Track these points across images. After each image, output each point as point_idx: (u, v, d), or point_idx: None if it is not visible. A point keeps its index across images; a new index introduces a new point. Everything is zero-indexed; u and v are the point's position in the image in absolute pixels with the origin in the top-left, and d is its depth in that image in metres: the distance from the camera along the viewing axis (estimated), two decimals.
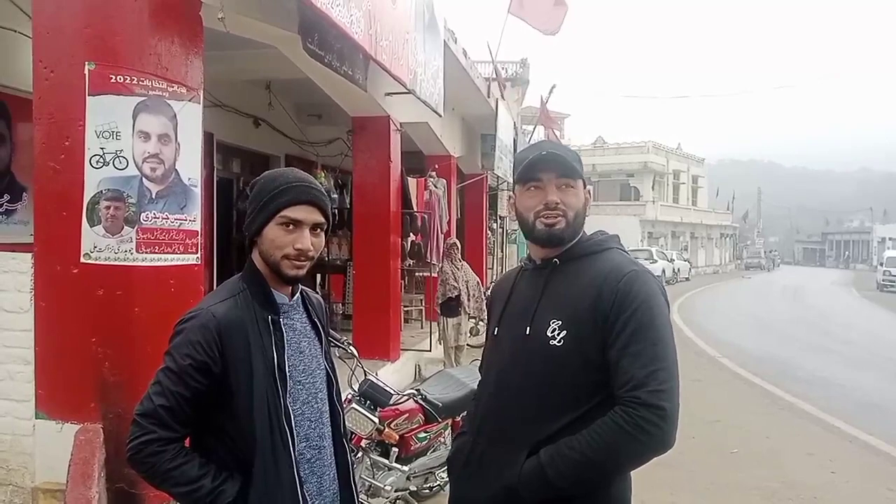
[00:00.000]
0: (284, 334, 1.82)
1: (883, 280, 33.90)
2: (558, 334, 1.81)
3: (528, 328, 1.87)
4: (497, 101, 12.08)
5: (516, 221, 2.04)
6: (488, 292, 10.66)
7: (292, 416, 1.79)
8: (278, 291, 1.85)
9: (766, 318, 18.83)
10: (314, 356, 1.92)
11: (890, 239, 52.54)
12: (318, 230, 1.84)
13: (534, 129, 21.03)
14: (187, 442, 1.75)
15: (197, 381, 1.69)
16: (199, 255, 3.97)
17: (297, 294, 1.93)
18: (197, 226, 3.94)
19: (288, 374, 1.80)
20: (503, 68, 16.74)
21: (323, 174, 10.24)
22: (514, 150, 14.51)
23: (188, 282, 3.90)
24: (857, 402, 8.69)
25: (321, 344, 1.97)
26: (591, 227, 2.01)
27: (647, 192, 42.71)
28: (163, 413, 1.67)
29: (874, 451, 6.60)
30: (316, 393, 1.90)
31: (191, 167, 3.91)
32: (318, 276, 10.92)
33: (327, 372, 1.97)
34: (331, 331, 4.05)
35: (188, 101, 3.89)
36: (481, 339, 11.25)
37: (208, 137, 8.39)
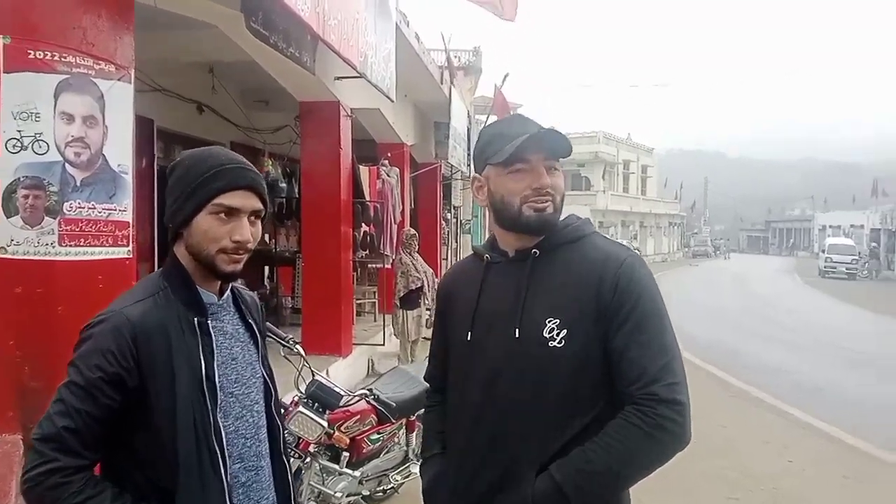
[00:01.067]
0: (213, 338, 1.58)
1: (825, 266, 34.92)
2: (558, 334, 1.61)
3: (517, 330, 1.65)
4: (451, 89, 11.85)
5: (486, 207, 1.80)
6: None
7: (223, 434, 1.55)
8: (205, 289, 1.61)
9: (713, 306, 19.11)
10: (249, 363, 1.68)
11: (830, 227, 54.17)
12: (256, 218, 1.60)
13: (487, 118, 20.87)
14: (97, 469, 1.50)
15: (108, 396, 1.43)
16: (130, 248, 3.66)
17: (228, 292, 1.69)
18: (128, 216, 3.63)
19: (218, 384, 1.56)
20: (456, 56, 16.50)
21: (270, 162, 9.89)
22: (468, 139, 14.32)
23: (118, 277, 3.58)
24: (806, 388, 8.79)
25: (257, 348, 1.73)
26: None
27: (597, 182, 43.09)
28: (67, 437, 1.41)
29: (828, 438, 6.66)
30: (251, 405, 1.66)
31: (121, 152, 3.59)
32: (266, 268, 10.58)
33: (265, 380, 1.73)
34: (274, 328, 3.82)
35: (117, 81, 3.57)
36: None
37: (148, 124, 8.00)
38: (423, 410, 4.44)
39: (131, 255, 3.68)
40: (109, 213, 3.51)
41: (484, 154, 1.75)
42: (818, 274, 34.76)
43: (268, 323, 4.28)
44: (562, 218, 1.78)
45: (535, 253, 1.71)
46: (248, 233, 1.57)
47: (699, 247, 60.93)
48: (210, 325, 1.59)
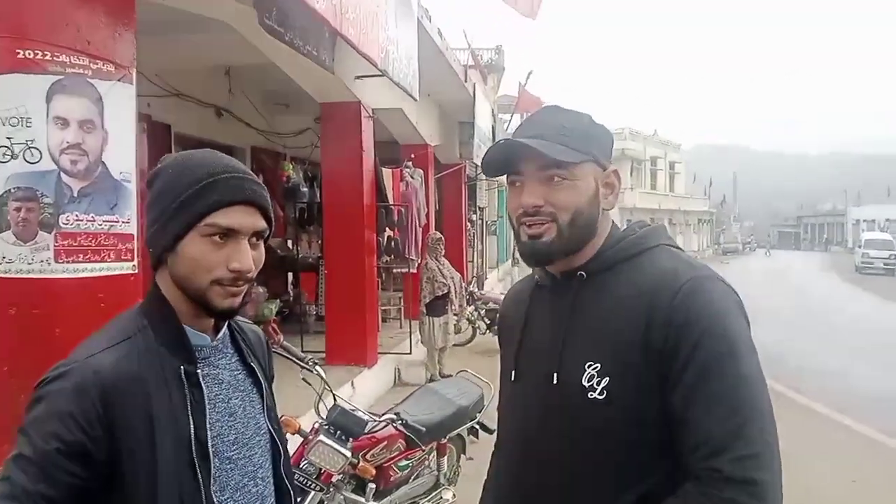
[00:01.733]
0: (205, 391, 1.25)
1: (861, 262, 34.01)
2: (598, 383, 1.27)
3: (556, 374, 1.33)
4: (475, 87, 11.52)
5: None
6: (473, 289, 10.19)
7: None
8: (196, 328, 1.28)
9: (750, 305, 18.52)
10: (251, 417, 1.35)
11: (865, 221, 52.89)
12: (258, 240, 1.27)
13: (511, 116, 20.51)
14: None
15: (69, 473, 1.11)
16: (135, 262, 3.37)
17: (224, 329, 1.35)
18: (132, 228, 3.34)
19: (212, 450, 1.24)
20: (478, 55, 16.17)
21: (291, 166, 9.65)
22: (493, 138, 13.98)
23: (122, 295, 3.29)
24: (866, 396, 8.30)
25: (262, 398, 1.39)
26: None
27: (625, 179, 42.44)
28: None
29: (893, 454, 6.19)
30: (254, 472, 1.33)
31: (123, 159, 3.30)
32: (290, 274, 10.35)
33: (272, 438, 1.40)
34: (290, 347, 3.49)
35: (117, 81, 3.28)
36: (464, 336, 10.77)
37: (166, 129, 7.80)
38: (455, 433, 4.18)
39: (136, 271, 3.39)
40: (111, 226, 3.23)
41: None
42: (855, 270, 33.81)
43: (284, 342, 3.97)
44: (623, 228, 1.45)
45: (582, 276, 1.37)
46: (250, 259, 1.24)
47: (729, 243, 59.85)
48: (200, 375, 1.26)
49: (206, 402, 1.25)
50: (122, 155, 3.30)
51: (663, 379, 1.23)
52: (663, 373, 1.23)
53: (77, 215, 3.08)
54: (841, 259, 44.90)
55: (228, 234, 1.22)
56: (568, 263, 1.39)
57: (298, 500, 1.52)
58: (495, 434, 1.69)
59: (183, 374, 1.23)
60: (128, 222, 3.32)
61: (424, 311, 8.41)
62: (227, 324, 1.36)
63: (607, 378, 1.26)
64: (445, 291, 8.35)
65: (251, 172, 1.31)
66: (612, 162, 1.43)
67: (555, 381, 1.33)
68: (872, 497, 5.11)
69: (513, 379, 1.45)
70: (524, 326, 1.46)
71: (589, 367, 1.29)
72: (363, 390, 7.00)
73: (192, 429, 1.21)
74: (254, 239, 1.26)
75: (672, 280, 1.28)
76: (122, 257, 3.30)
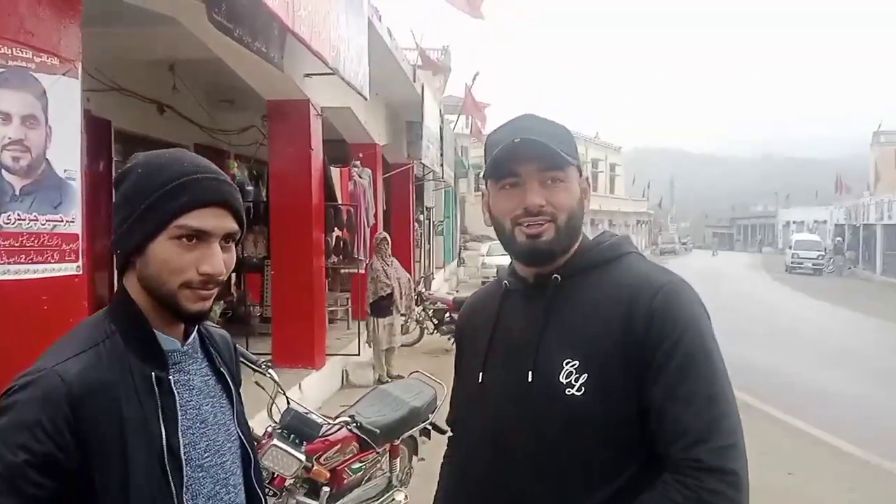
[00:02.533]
0: (177, 397, 1.22)
1: (791, 262, 35.35)
2: (577, 380, 1.30)
3: (531, 373, 1.35)
4: (423, 87, 11.52)
5: (491, 227, 1.49)
6: (421, 289, 10.17)
7: None
8: (165, 333, 1.25)
9: None
10: (222, 424, 1.32)
11: (794, 222, 55.00)
12: (230, 241, 1.25)
13: (457, 117, 20.60)
14: None
15: (37, 485, 1.07)
16: (80, 263, 3.26)
17: (194, 334, 1.32)
18: (77, 228, 3.23)
19: (184, 457, 1.21)
20: (425, 55, 16.16)
21: (236, 164, 9.47)
22: (441, 138, 14.01)
23: (67, 297, 3.19)
24: (797, 391, 8.63)
25: (231, 404, 1.36)
26: None
27: None
28: None
29: (826, 446, 6.47)
30: (226, 479, 1.31)
31: (67, 156, 3.19)
32: (234, 275, 10.16)
33: (242, 445, 1.37)
34: (243, 350, 3.42)
35: (62, 76, 3.17)
36: (412, 336, 10.76)
37: (105, 125, 7.56)
38: (408, 434, 4.18)
39: (81, 272, 3.29)
40: (55, 226, 3.11)
41: (486, 165, 1.47)
42: (785, 270, 35.13)
43: (238, 346, 3.87)
44: (593, 236, 1.49)
45: (557, 279, 1.40)
46: (221, 262, 1.21)
47: (666, 244, 61.42)
48: (172, 381, 1.23)
49: (178, 409, 1.22)
50: (67, 152, 3.19)
51: (641, 375, 1.28)
52: (642, 369, 1.28)
53: (19, 214, 2.96)
54: (771, 259, 46.61)
55: (199, 236, 1.19)
56: (542, 267, 1.42)
57: None
58: (449, 435, 1.70)
59: (154, 380, 1.20)
60: (72, 222, 3.21)
61: (369, 311, 8.38)
62: (196, 328, 1.33)
63: (586, 375, 1.29)
64: (389, 292, 8.34)
65: (223, 173, 1.28)
66: None
67: (530, 379, 1.35)
68: (809, 488, 5.33)
69: (480, 381, 1.46)
70: (494, 329, 1.47)
71: (567, 364, 1.31)
72: (311, 393, 6.92)
73: (163, 437, 1.18)
74: (224, 241, 1.23)
75: (651, 283, 1.34)
76: (66, 258, 3.19)
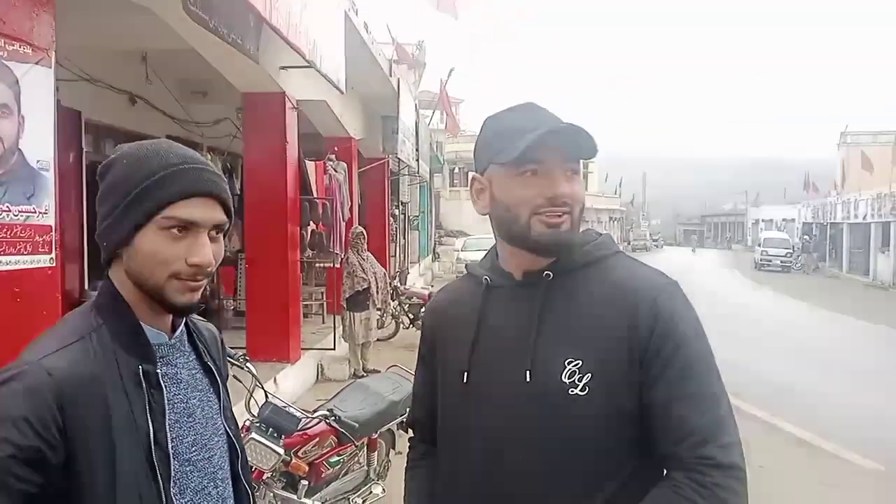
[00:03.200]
0: (164, 391, 1.21)
1: (760, 259, 35.91)
2: (580, 379, 1.28)
3: (529, 372, 1.31)
4: (399, 81, 11.48)
5: (487, 215, 1.44)
6: (397, 284, 10.13)
7: None
8: (153, 327, 1.24)
9: None
10: (209, 418, 1.31)
11: (763, 220, 55.88)
12: (218, 233, 1.23)
13: (433, 113, 20.58)
14: None
15: (24, 480, 1.05)
16: (53, 255, 3.21)
17: (182, 327, 1.31)
18: (50, 219, 3.18)
19: (171, 451, 1.20)
20: (400, 49, 16.11)
21: (210, 157, 9.35)
22: (416, 133, 13.98)
23: (40, 289, 3.14)
24: (767, 386, 8.77)
25: (218, 398, 1.35)
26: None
27: None
28: None
29: (797, 441, 6.61)
30: (214, 473, 1.29)
31: (40, 147, 3.13)
32: None
33: (229, 438, 1.36)
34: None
35: (35, 64, 3.11)
36: (388, 331, 10.74)
37: (75, 116, 7.41)
38: (385, 428, 4.19)
39: (54, 264, 3.24)
40: (27, 217, 3.06)
41: (489, 150, 1.40)
42: (754, 267, 35.67)
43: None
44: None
45: (549, 276, 1.37)
46: (210, 253, 1.20)
47: (638, 241, 62.08)
48: (160, 374, 1.21)
49: (165, 403, 1.21)
50: (40, 142, 3.14)
51: (644, 373, 1.27)
52: (645, 367, 1.27)
53: None
54: (741, 256, 47.30)
55: (188, 227, 1.18)
56: (532, 263, 1.39)
57: None
58: (411, 437, 1.66)
59: (141, 373, 1.19)
60: (45, 213, 3.16)
61: (345, 305, 8.36)
62: (183, 321, 1.32)
63: (589, 374, 1.28)
64: (366, 286, 8.32)
65: (210, 163, 1.27)
66: None
67: (527, 380, 1.31)
68: (780, 481, 5.43)
69: (465, 381, 1.40)
70: (478, 327, 1.42)
71: (569, 363, 1.29)
72: (286, 387, 6.89)
73: (151, 430, 1.17)
74: (213, 232, 1.22)
75: (651, 282, 1.35)
76: (40, 249, 3.13)
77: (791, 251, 35.94)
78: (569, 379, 1.29)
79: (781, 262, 34.88)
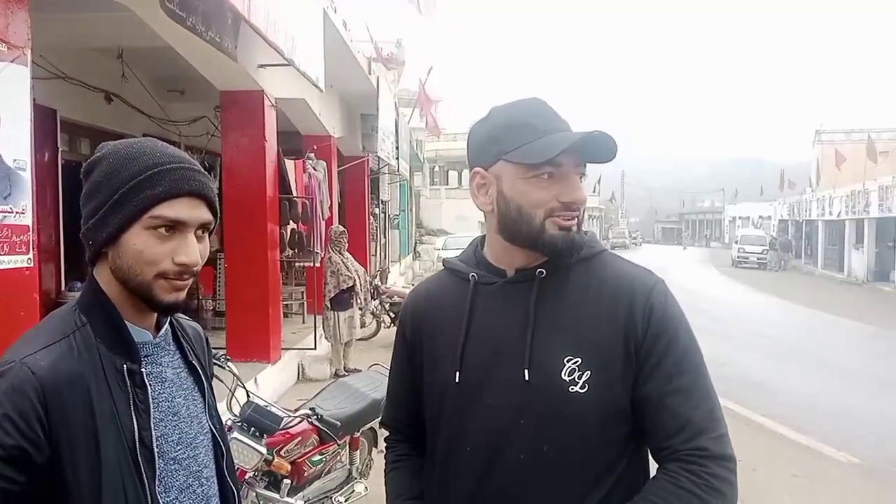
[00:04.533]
0: (149, 390, 1.22)
1: (738, 256, 36.27)
2: (580, 377, 1.29)
3: (527, 371, 1.31)
4: (378, 80, 11.46)
5: (490, 213, 1.39)
6: (378, 283, 10.07)
7: None
8: (137, 325, 1.24)
9: None
10: (194, 416, 1.31)
11: (740, 218, 56.48)
12: (204, 232, 1.24)
13: (412, 111, 20.57)
14: None
15: (7, 479, 1.05)
16: (31, 255, 3.19)
17: (166, 326, 1.32)
18: (27, 219, 3.16)
19: (156, 450, 1.20)
20: (379, 48, 16.08)
21: (188, 156, 9.28)
22: (396, 131, 13.96)
23: (17, 290, 3.11)
24: (741, 380, 8.88)
25: (203, 396, 1.36)
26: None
27: None
28: None
29: (770, 434, 6.70)
30: (199, 471, 1.30)
31: (17, 146, 3.10)
32: None
33: (214, 437, 1.37)
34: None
35: (10, 63, 3.08)
36: (368, 330, 10.72)
37: (51, 114, 7.35)
38: (367, 426, 4.19)
39: (32, 264, 3.21)
40: (4, 217, 3.03)
41: (498, 144, 1.35)
42: (731, 264, 36.03)
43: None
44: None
45: (542, 273, 1.36)
46: (196, 252, 1.20)
47: (617, 238, 62.46)
48: (144, 373, 1.22)
49: (150, 401, 1.21)
50: (17, 141, 3.11)
51: (639, 368, 1.30)
52: (640, 362, 1.31)
53: None
54: (718, 253, 47.79)
55: (175, 226, 1.19)
56: (525, 260, 1.39)
57: None
58: (387, 436, 1.65)
59: (126, 372, 1.19)
60: (22, 213, 3.13)
61: (328, 305, 8.34)
62: (168, 320, 1.33)
63: (589, 372, 1.29)
64: (351, 284, 8.31)
65: (196, 163, 1.28)
66: None
67: (526, 379, 1.31)
68: (755, 474, 5.50)
69: (457, 381, 1.38)
70: (468, 326, 1.39)
71: (568, 361, 1.30)
72: (267, 387, 6.86)
73: (136, 429, 1.17)
74: (199, 231, 1.23)
75: (643, 279, 1.37)
76: (17, 250, 3.11)
77: (767, 248, 36.36)
78: (569, 377, 1.29)
79: (758, 258, 35.25)
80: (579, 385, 1.29)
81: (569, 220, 1.34)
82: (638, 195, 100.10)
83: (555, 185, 1.32)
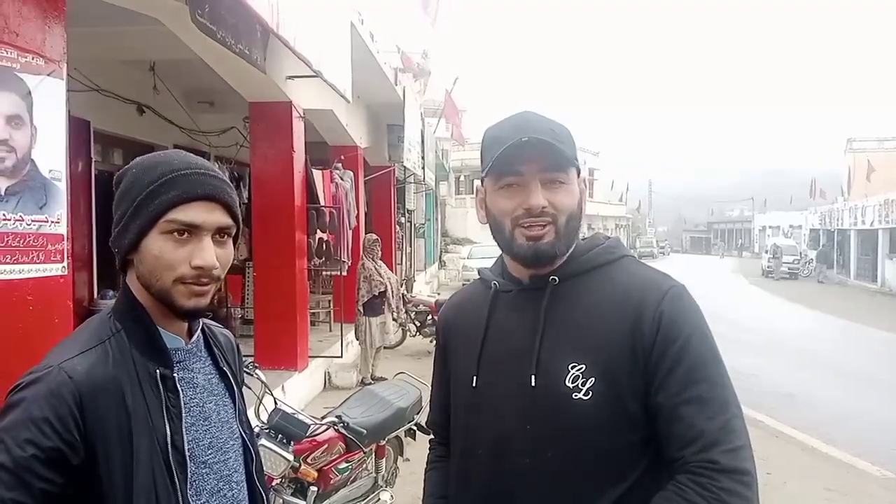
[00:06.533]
0: (181, 395, 1.24)
1: (768, 266, 35.70)
2: (584, 384, 1.29)
3: (534, 377, 1.33)
4: (405, 90, 11.53)
5: (488, 226, 1.46)
6: (403, 291, 10.10)
7: None
8: (169, 331, 1.27)
9: None
10: (224, 422, 1.34)
11: (770, 227, 55.68)
12: (225, 236, 1.26)
13: (438, 121, 20.63)
14: None
15: (45, 479, 1.08)
16: (65, 263, 3.25)
17: (198, 332, 1.35)
18: (62, 228, 3.22)
19: (188, 454, 1.23)
20: (405, 59, 16.19)
21: (217, 165, 9.41)
22: (422, 141, 14.03)
23: (52, 297, 3.17)
24: (773, 392, 8.75)
25: (234, 402, 1.38)
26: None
27: None
28: None
29: (802, 447, 6.59)
30: (229, 476, 1.32)
31: (53, 156, 3.18)
32: None
33: (244, 443, 1.39)
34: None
35: (47, 76, 3.15)
36: (395, 338, 10.74)
37: (84, 126, 7.49)
38: (393, 434, 4.20)
39: (66, 272, 3.27)
40: (40, 226, 3.10)
41: (483, 160, 1.43)
42: (761, 274, 35.51)
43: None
44: (583, 238, 1.48)
45: (554, 281, 1.39)
46: (213, 255, 1.22)
47: (645, 248, 61.89)
48: (176, 378, 1.25)
49: (182, 406, 1.24)
50: (52, 152, 3.18)
51: (649, 378, 1.28)
52: (650, 372, 1.28)
53: (4, 215, 2.95)
54: (747, 263, 47.13)
55: (190, 230, 1.21)
56: (539, 269, 1.40)
57: None
58: (431, 439, 1.69)
59: (159, 377, 1.22)
60: (57, 222, 3.20)
61: (361, 311, 8.40)
62: (199, 326, 1.36)
63: (593, 379, 1.28)
64: (382, 290, 8.39)
65: (215, 169, 1.30)
66: None
67: (532, 384, 1.33)
68: (787, 487, 5.41)
69: (474, 385, 1.42)
70: (485, 332, 1.44)
71: (573, 368, 1.30)
72: (294, 394, 6.91)
73: (168, 433, 1.20)
74: (218, 236, 1.25)
75: (656, 286, 1.34)
76: (52, 258, 3.17)
77: (798, 258, 35.75)
78: (572, 384, 1.30)
79: (789, 268, 34.68)
80: (583, 392, 1.29)
81: (536, 228, 1.35)
82: (666, 204, 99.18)
83: (518, 194, 1.36)
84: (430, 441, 1.71)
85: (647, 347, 1.28)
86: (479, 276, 1.60)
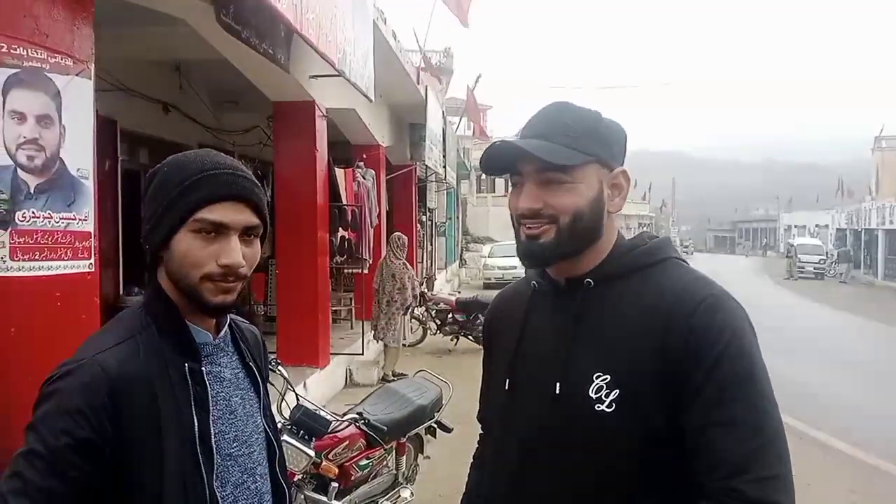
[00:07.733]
0: (209, 389, 1.27)
1: (793, 266, 35.23)
2: (607, 395, 1.23)
3: (559, 384, 1.28)
4: (427, 89, 11.56)
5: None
6: (424, 290, 10.21)
7: None
8: (198, 327, 1.30)
9: None
10: (250, 416, 1.37)
11: (796, 226, 54.99)
12: (252, 236, 1.29)
13: (460, 119, 20.65)
14: None
15: (78, 468, 1.12)
16: (92, 260, 3.31)
17: (226, 328, 1.38)
18: (90, 226, 3.28)
19: (215, 446, 1.26)
20: (429, 58, 16.23)
21: (241, 164, 9.52)
22: (444, 140, 14.05)
23: (79, 294, 3.23)
24: (796, 393, 8.63)
25: (258, 397, 1.41)
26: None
27: None
28: None
29: (825, 448, 6.52)
30: (253, 468, 1.35)
31: (80, 155, 3.23)
32: None
33: (268, 437, 1.42)
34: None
35: (75, 76, 3.21)
36: (414, 337, 10.80)
37: (111, 125, 7.60)
38: (414, 432, 4.22)
39: (93, 269, 3.33)
40: (68, 224, 3.16)
41: None
42: (785, 274, 35.04)
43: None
44: (622, 238, 1.40)
45: (589, 283, 1.32)
46: (239, 254, 1.25)
47: None
48: (204, 372, 1.28)
49: (210, 400, 1.27)
50: (80, 151, 3.23)
51: (677, 394, 1.20)
52: (678, 388, 1.20)
53: (34, 212, 3.01)
54: (773, 262, 46.50)
55: (218, 229, 1.24)
56: (574, 269, 1.35)
57: None
58: (480, 433, 1.66)
59: (188, 372, 1.25)
60: (85, 220, 3.26)
61: (397, 309, 8.51)
62: (227, 322, 1.39)
63: (617, 391, 1.22)
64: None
65: (245, 170, 1.33)
66: (622, 161, 1.39)
67: (557, 392, 1.28)
68: (811, 490, 5.35)
69: (507, 388, 1.39)
70: (521, 333, 1.40)
71: (597, 378, 1.24)
72: (315, 391, 6.97)
73: (196, 425, 1.23)
74: (245, 235, 1.28)
75: (690, 295, 1.25)
76: (79, 255, 3.23)
77: (825, 258, 35.24)
78: (596, 394, 1.24)
79: (815, 268, 34.19)
80: (605, 404, 1.23)
81: (533, 228, 1.31)
82: (689, 203, 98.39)
83: (517, 194, 1.34)
84: (480, 436, 1.66)
85: (676, 363, 1.20)
86: (525, 274, 1.55)
